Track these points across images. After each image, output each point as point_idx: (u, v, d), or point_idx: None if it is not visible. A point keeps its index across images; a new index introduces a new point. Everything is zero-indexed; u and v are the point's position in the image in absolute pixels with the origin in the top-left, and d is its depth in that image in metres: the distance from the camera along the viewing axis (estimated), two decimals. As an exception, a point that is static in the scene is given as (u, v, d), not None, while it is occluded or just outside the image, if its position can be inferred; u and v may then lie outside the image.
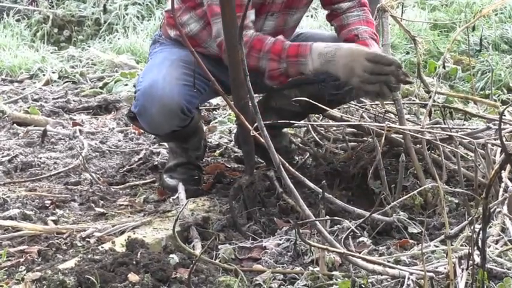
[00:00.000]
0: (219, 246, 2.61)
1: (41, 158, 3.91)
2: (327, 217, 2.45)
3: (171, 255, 2.43)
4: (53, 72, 6.17)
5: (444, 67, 3.37)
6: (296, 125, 3.88)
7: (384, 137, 2.56)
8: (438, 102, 3.61)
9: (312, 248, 2.47)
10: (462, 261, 2.09)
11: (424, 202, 2.91)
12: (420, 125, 3.18)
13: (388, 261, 2.25)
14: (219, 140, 4.22)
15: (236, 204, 2.87)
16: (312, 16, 7.15)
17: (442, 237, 2.53)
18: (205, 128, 4.21)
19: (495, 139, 3.11)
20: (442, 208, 2.32)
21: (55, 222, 2.95)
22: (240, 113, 2.37)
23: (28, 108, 4.98)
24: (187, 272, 2.29)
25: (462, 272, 2.04)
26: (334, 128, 3.85)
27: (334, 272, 2.31)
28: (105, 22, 7.70)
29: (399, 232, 2.72)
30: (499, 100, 4.75)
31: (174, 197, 3.09)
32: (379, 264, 2.16)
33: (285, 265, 2.47)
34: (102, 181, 3.55)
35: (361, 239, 2.64)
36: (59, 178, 3.61)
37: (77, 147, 4.06)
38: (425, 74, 5.08)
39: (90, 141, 4.20)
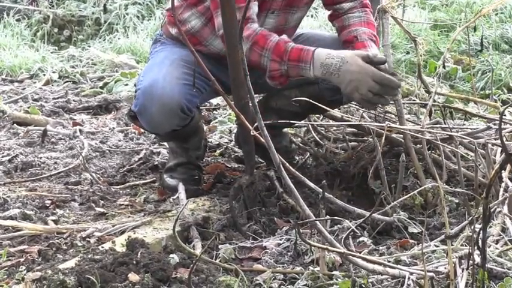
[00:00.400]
0: (219, 246, 2.61)
1: (41, 157, 3.91)
2: (327, 217, 2.45)
3: (171, 255, 2.43)
4: (53, 72, 6.17)
5: (444, 67, 3.37)
6: (296, 124, 3.88)
7: (384, 137, 2.56)
8: (438, 102, 3.61)
9: (312, 247, 2.47)
10: (462, 261, 2.09)
11: (425, 202, 2.91)
12: (420, 125, 3.18)
13: (389, 261, 2.25)
14: (220, 139, 4.22)
15: (236, 204, 2.87)
16: (312, 16, 7.15)
17: (443, 237, 2.53)
18: (205, 127, 4.21)
19: (495, 139, 3.11)
20: (442, 208, 2.33)
21: (55, 222, 2.95)
22: (240, 113, 2.37)
23: (28, 108, 4.98)
24: (187, 271, 2.29)
25: (462, 272, 2.04)
26: (335, 128, 3.85)
27: (334, 272, 2.31)
28: (105, 22, 7.70)
29: (399, 232, 2.72)
30: (499, 100, 4.75)
31: (174, 197, 3.09)
32: (380, 264, 2.16)
33: (285, 265, 2.47)
34: (102, 181, 3.55)
35: (361, 238, 2.64)
36: (59, 178, 3.61)
37: (77, 147, 4.05)
38: (425, 74, 5.08)
39: (91, 141, 4.19)
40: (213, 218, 2.82)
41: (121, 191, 3.42)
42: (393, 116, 3.59)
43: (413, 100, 4.00)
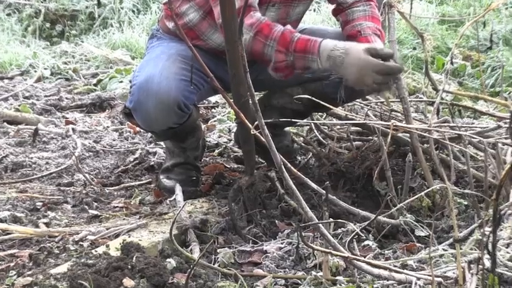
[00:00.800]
0: (218, 250, 2.61)
1: (32, 158, 3.91)
2: (331, 219, 2.45)
3: (168, 260, 2.43)
4: (45, 69, 6.17)
5: (452, 63, 3.36)
6: (298, 123, 3.88)
7: (390, 136, 2.55)
8: (446, 100, 3.60)
9: (315, 251, 2.47)
10: (472, 265, 2.09)
11: (432, 204, 2.90)
12: (428, 123, 3.18)
13: (395, 266, 2.25)
14: (218, 139, 4.22)
15: (236, 206, 2.87)
16: (314, 10, 7.16)
17: (451, 240, 2.53)
18: (203, 126, 4.21)
19: (506, 138, 3.10)
20: (450, 210, 2.32)
21: (47, 224, 2.95)
22: (240, 111, 2.37)
23: (19, 106, 4.99)
24: (184, 277, 2.29)
25: (472, 277, 2.04)
26: (338, 127, 3.85)
27: (338, 277, 2.30)
28: (99, 16, 7.71)
29: (406, 235, 2.72)
30: (510, 97, 4.75)
31: (171, 199, 3.09)
32: (385, 268, 2.15)
33: (286, 270, 2.47)
34: (96, 182, 3.55)
35: (366, 242, 2.63)
36: (51, 179, 3.61)
37: (69, 147, 4.05)
38: (433, 71, 5.09)
39: (84, 141, 4.20)
40: (212, 221, 2.82)
41: (115, 193, 3.42)
42: (399, 114, 3.58)
43: (421, 98, 4.01)
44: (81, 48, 6.92)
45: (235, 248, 2.65)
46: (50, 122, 4.71)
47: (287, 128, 3.72)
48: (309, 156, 3.66)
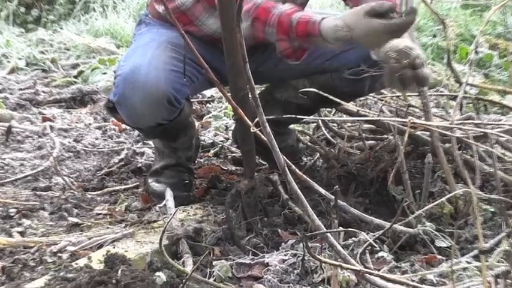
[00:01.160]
0: (214, 263, 2.61)
1: (5, 158, 3.91)
2: (340, 228, 2.45)
3: (157, 273, 2.43)
4: (19, 59, 6.18)
5: (477, 53, 3.36)
6: (304, 120, 3.88)
7: (407, 135, 2.55)
8: (470, 94, 3.61)
9: (323, 264, 2.47)
10: (499, 279, 2.09)
11: (454, 211, 2.90)
12: (449, 120, 3.18)
13: (413, 280, 2.25)
14: (214, 138, 4.23)
15: (234, 213, 2.87)
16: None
17: (476, 251, 2.53)
18: (197, 123, 4.21)
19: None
20: (475, 218, 2.32)
21: (21, 234, 2.94)
22: (239, 106, 2.36)
23: (-10, 100, 4.99)
24: (176, 292, 2.29)
25: (499, 292, 2.04)
26: (349, 124, 3.85)
27: (348, 293, 2.31)
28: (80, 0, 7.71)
29: (425, 246, 2.72)
30: (541, 91, 4.75)
31: (161, 205, 3.09)
32: (402, 283, 2.15)
33: (290, 285, 2.47)
34: (76, 186, 3.55)
35: (380, 254, 2.63)
36: (26, 182, 3.61)
37: (47, 147, 4.05)
38: (455, 61, 5.08)
39: (63, 140, 4.20)
40: (207, 230, 2.82)
41: (98, 198, 3.42)
42: (418, 110, 3.58)
43: (441, 92, 4.00)
44: (59, 36, 6.93)
45: (233, 260, 2.65)
46: (24, 118, 4.71)
47: (291, 126, 3.72)
48: (316, 157, 3.66)
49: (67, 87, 5.50)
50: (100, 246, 2.74)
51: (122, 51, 6.23)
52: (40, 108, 5.02)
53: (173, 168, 3.36)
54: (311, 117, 3.66)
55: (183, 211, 3.04)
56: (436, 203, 2.65)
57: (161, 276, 2.41)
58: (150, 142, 3.88)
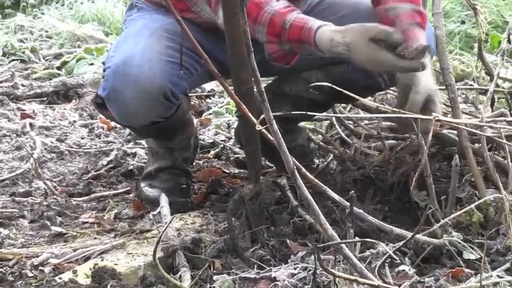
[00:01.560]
0: (214, 277, 2.62)
1: (-21, 160, 3.93)
2: (357, 239, 2.46)
3: (150, 289, 2.44)
4: (-4, 48, 6.19)
5: (510, 42, 3.35)
6: (316, 117, 3.88)
7: (431, 134, 2.56)
8: (503, 88, 3.61)
9: (337, 279, 2.47)
10: (534, 296, 2.10)
11: (484, 219, 2.91)
12: (479, 117, 3.18)
13: (437, 297, 2.26)
14: (214, 137, 4.23)
15: (237, 221, 2.88)
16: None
17: (508, 265, 2.54)
18: (196, 121, 4.22)
19: None
20: (507, 227, 2.33)
21: (-2, 245, 2.96)
22: (242, 102, 2.38)
23: (-37, 95, 5.00)
24: (172, 310, 2.30)
25: (534, 310, 2.05)
26: (367, 122, 3.85)
27: (365, 311, 2.32)
28: (63, -19, 7.72)
29: (451, 258, 2.73)
30: None
31: (155, 213, 3.10)
32: (425, 300, 2.16)
33: (300, 302, 2.48)
34: (60, 191, 3.56)
35: (401, 267, 2.64)
36: (3, 187, 3.62)
37: (26, 147, 4.06)
38: (486, 51, 5.08)
39: (45, 139, 4.21)
40: (206, 240, 2.83)
41: (84, 205, 3.42)
42: (444, 106, 3.59)
43: (471, 85, 4.01)
44: (41, 22, 6.94)
45: (236, 274, 2.65)
46: (1, 115, 4.72)
47: (302, 123, 3.73)
48: (330, 159, 3.67)
49: (49, 79, 5.51)
50: (87, 258, 2.75)
51: (111, 39, 6.24)
52: (19, 104, 5.03)
53: (169, 171, 3.37)
54: (324, 114, 3.67)
55: (180, 219, 3.04)
56: (464, 210, 2.66)
57: (155, 292, 2.42)
58: (143, 142, 3.89)
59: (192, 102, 4.47)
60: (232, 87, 2.68)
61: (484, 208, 2.91)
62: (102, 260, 2.67)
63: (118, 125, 4.36)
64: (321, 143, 3.80)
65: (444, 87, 3.17)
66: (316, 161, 3.70)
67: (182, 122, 3.26)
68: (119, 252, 2.76)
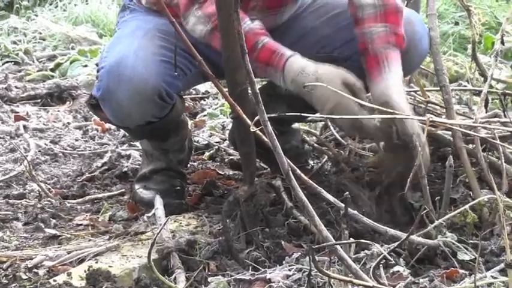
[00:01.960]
0: (209, 279, 2.62)
1: (-27, 163, 3.92)
2: (351, 240, 2.46)
3: (145, 291, 2.44)
4: (-11, 50, 6.18)
5: (503, 43, 3.36)
6: (310, 118, 3.88)
7: (425, 135, 2.56)
8: (497, 89, 3.62)
9: (332, 280, 2.48)
10: (528, 297, 2.10)
11: (479, 220, 2.91)
12: (473, 118, 3.19)
13: (432, 298, 2.26)
14: (209, 138, 4.23)
15: (231, 223, 2.88)
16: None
17: (502, 265, 2.54)
18: (190, 123, 4.22)
19: None
20: (501, 227, 2.33)
21: (-8, 247, 2.96)
22: (237, 103, 2.38)
23: (-44, 97, 5.00)
24: (167, 312, 2.30)
25: (528, 311, 2.05)
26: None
27: (360, 312, 2.32)
28: (57, -17, 7.72)
29: (446, 259, 2.73)
30: None
31: (150, 214, 3.09)
32: (420, 301, 2.17)
33: (295, 303, 2.48)
34: (54, 193, 3.56)
35: (396, 268, 2.64)
36: (-3, 190, 3.62)
37: (20, 149, 4.06)
38: (480, 52, 5.09)
39: (38, 141, 4.20)
40: (201, 242, 2.83)
41: (79, 207, 3.42)
42: (438, 107, 3.59)
43: (464, 86, 4.01)
44: (34, 24, 6.93)
45: (231, 276, 2.65)
46: (-5, 117, 4.72)
47: (296, 125, 3.73)
48: (324, 160, 3.67)
49: (43, 81, 5.51)
50: (81, 260, 2.75)
51: (105, 41, 6.23)
52: (12, 106, 5.02)
53: (163, 173, 3.37)
54: (318, 114, 3.67)
55: (175, 221, 3.04)
56: (458, 211, 2.66)
57: (150, 294, 2.42)
58: (137, 144, 3.89)
59: (186, 104, 4.47)
60: (226, 89, 2.68)
61: (478, 209, 2.91)
62: (96, 262, 2.66)
63: (112, 127, 4.35)
64: (315, 144, 3.80)
65: (438, 88, 3.18)
66: (311, 163, 3.70)
67: (176, 122, 3.27)
68: (113, 255, 2.76)
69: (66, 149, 4.14)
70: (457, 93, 4.37)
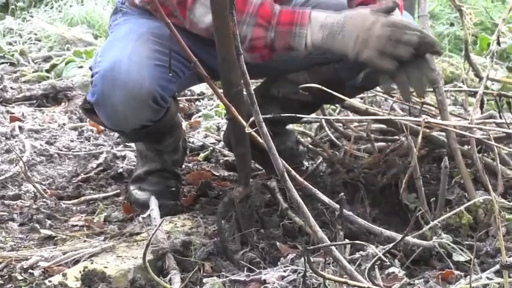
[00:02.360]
0: (204, 280, 2.61)
1: (-32, 164, 3.92)
2: (346, 241, 2.46)
3: (140, 292, 2.44)
4: (-16, 51, 6.17)
5: (499, 43, 3.36)
6: (305, 119, 3.88)
7: (420, 136, 2.56)
8: (492, 90, 3.62)
9: (327, 281, 2.48)
10: (523, 298, 2.10)
11: (474, 221, 2.91)
12: (468, 119, 3.19)
13: (427, 299, 2.26)
14: (204, 139, 4.23)
15: (226, 224, 2.87)
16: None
17: (497, 266, 2.54)
18: (185, 124, 4.22)
19: None
20: (497, 229, 2.33)
21: (-13, 248, 2.95)
22: (232, 104, 2.38)
23: (-49, 98, 4.99)
24: (162, 313, 2.29)
25: (524, 312, 2.05)
26: (356, 124, 3.85)
27: (355, 313, 2.32)
28: (52, -16, 7.71)
29: (441, 260, 2.73)
30: None
31: (145, 215, 3.09)
32: (415, 302, 2.17)
33: (290, 304, 2.48)
34: (49, 194, 3.55)
35: (391, 269, 2.64)
36: (-8, 190, 3.62)
37: (16, 150, 4.05)
38: (475, 53, 5.10)
39: (34, 142, 4.20)
40: (196, 243, 2.83)
41: (74, 208, 3.42)
42: (433, 108, 3.59)
43: (460, 87, 4.01)
44: (30, 25, 6.93)
45: (226, 277, 2.65)
46: (-10, 118, 4.71)
47: (290, 126, 3.73)
48: (319, 161, 3.67)
49: (38, 82, 5.50)
50: (76, 261, 2.75)
51: (100, 41, 6.23)
52: (8, 107, 5.02)
53: (158, 174, 3.37)
54: (313, 115, 3.67)
55: (170, 222, 3.04)
56: (454, 212, 2.66)
57: (145, 295, 2.42)
58: (132, 145, 3.88)
59: (181, 105, 4.47)
60: (221, 90, 2.68)
61: (473, 210, 2.91)
62: (91, 263, 2.66)
63: (107, 129, 4.36)
64: (310, 145, 3.80)
65: (432, 89, 3.18)
66: (306, 164, 3.70)
67: (171, 125, 3.26)
68: (108, 255, 2.76)
69: (61, 150, 4.14)
70: (453, 94, 4.38)
